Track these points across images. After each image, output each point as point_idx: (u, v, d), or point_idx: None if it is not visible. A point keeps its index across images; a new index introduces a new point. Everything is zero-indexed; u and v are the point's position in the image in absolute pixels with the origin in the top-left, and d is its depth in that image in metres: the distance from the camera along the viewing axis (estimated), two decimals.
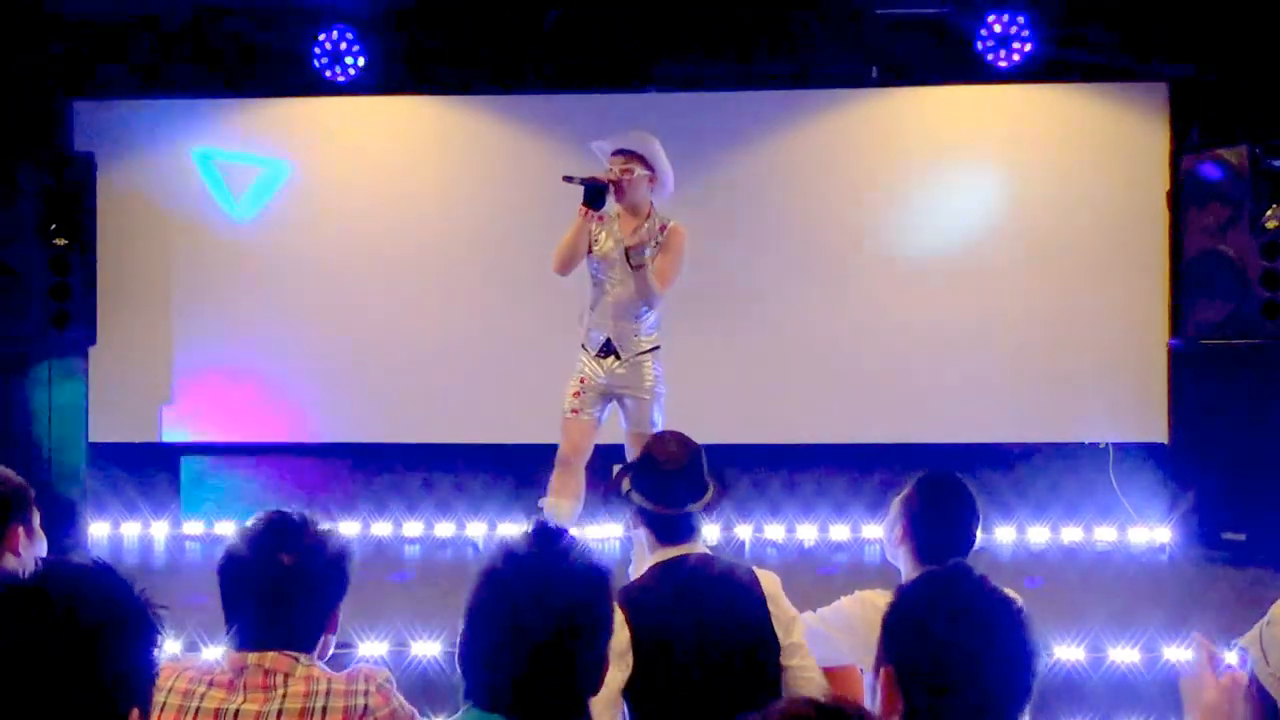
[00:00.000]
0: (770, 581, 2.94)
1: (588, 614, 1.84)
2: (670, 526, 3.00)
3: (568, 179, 4.81)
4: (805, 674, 2.88)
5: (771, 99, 6.73)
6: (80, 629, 1.44)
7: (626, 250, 4.82)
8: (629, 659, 2.77)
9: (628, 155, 4.87)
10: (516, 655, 1.79)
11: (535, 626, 1.78)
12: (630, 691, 2.79)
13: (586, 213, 4.78)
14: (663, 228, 4.92)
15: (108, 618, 1.46)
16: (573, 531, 1.92)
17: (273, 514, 2.28)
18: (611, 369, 4.91)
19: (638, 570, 4.76)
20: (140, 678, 1.49)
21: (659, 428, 4.82)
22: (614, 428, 5.04)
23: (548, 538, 1.87)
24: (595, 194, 4.77)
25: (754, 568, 2.99)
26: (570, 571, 1.83)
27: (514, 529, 1.86)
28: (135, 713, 1.47)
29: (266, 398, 6.74)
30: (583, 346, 4.97)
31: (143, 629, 1.50)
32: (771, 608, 2.88)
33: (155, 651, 1.53)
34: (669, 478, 3.01)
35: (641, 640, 2.79)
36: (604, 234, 4.89)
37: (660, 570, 2.98)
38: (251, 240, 6.78)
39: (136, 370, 6.70)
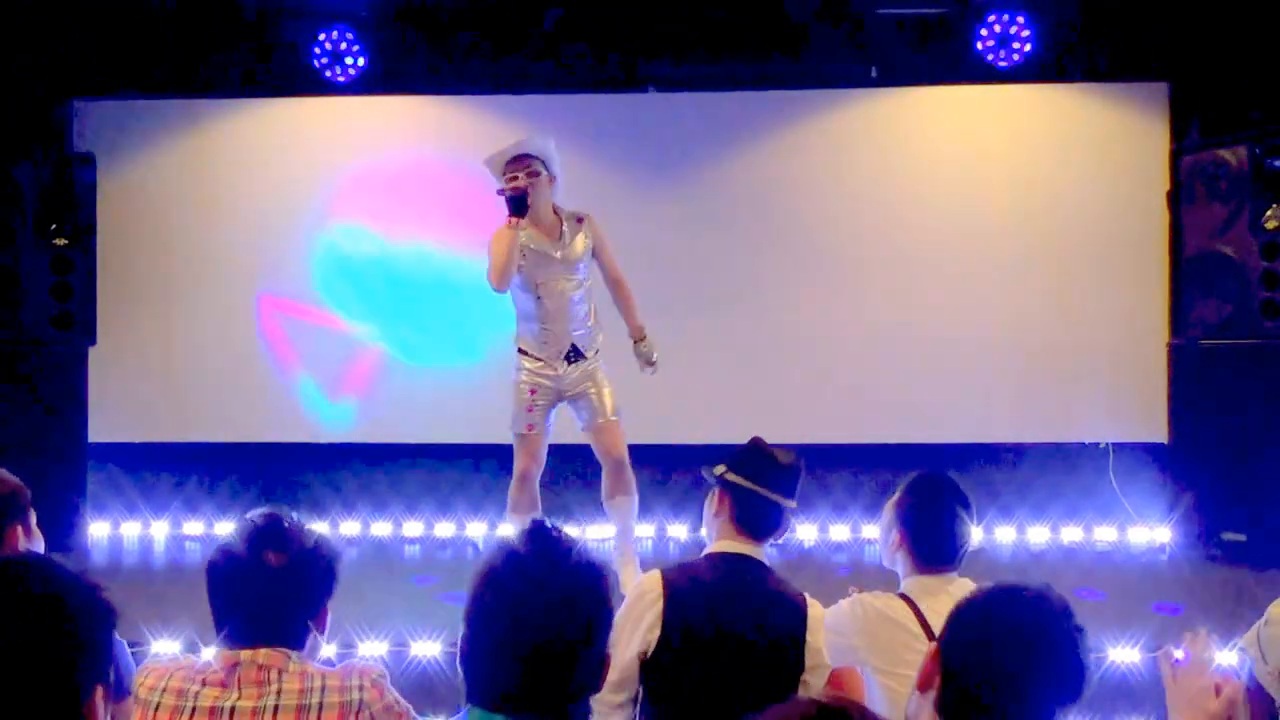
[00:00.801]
0: (816, 611, 2.91)
1: (587, 612, 1.83)
2: (757, 510, 2.97)
3: (500, 192, 4.81)
4: None
5: (771, 99, 6.73)
6: (30, 612, 1.47)
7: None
8: (653, 636, 2.78)
9: (527, 159, 4.85)
10: (517, 655, 1.79)
11: (535, 626, 1.78)
12: (645, 669, 2.78)
13: (515, 222, 4.77)
14: (580, 219, 4.95)
15: (56, 601, 1.49)
16: (570, 531, 1.92)
17: (260, 515, 2.30)
18: (571, 372, 4.93)
19: (626, 579, 4.74)
20: (97, 656, 1.52)
21: (620, 413, 4.94)
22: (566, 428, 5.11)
23: (545, 537, 1.87)
24: (519, 202, 4.77)
25: (804, 594, 2.96)
26: (569, 570, 1.83)
27: (512, 529, 1.85)
28: (99, 689, 1.50)
29: (267, 397, 6.75)
30: (525, 353, 4.96)
31: (92, 611, 1.53)
32: (809, 636, 2.85)
33: (112, 632, 1.57)
34: (774, 464, 3.02)
35: (671, 620, 2.79)
36: (527, 245, 4.85)
37: (715, 559, 2.94)
38: (252, 240, 6.78)
39: (136, 370, 6.70)
